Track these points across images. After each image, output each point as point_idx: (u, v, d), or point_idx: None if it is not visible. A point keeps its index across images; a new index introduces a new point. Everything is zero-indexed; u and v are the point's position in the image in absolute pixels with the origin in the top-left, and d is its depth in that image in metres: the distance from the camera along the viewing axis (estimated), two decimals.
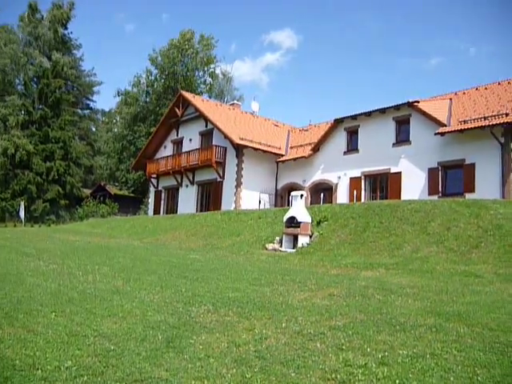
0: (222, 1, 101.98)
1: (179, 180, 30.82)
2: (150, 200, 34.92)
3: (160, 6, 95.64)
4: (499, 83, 23.46)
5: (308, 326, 5.61)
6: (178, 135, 32.85)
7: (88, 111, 59.19)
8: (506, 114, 19.10)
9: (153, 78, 48.54)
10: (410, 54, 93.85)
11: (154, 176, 33.22)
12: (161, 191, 33.10)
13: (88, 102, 58.90)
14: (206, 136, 30.33)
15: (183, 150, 31.08)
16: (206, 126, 29.89)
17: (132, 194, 48.16)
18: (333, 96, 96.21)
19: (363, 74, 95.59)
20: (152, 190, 34.27)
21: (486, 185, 19.22)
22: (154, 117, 46.18)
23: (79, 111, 55.77)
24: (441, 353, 4.66)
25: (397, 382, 3.93)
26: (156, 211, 32.76)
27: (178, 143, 32.80)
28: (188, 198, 30.10)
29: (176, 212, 30.19)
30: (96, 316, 5.86)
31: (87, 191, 48.26)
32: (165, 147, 33.86)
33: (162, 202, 32.79)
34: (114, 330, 5.30)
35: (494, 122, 19.04)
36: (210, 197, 28.92)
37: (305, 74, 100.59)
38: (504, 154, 19.01)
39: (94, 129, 59.63)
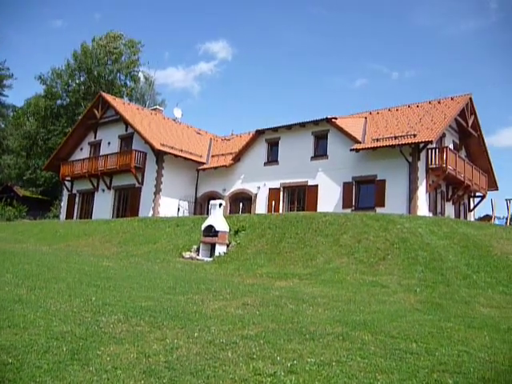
0: (159, 7, 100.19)
1: (95, 184, 29.66)
2: (62, 204, 33.21)
3: (93, 4, 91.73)
4: (409, 106, 25.17)
5: (220, 336, 5.61)
6: (95, 137, 31.65)
7: None
8: (414, 135, 20.50)
9: (75, 77, 46.40)
10: (337, 73, 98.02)
11: (69, 179, 31.68)
12: (75, 195, 31.62)
13: None
14: (126, 140, 29.52)
15: (101, 154, 29.99)
16: (126, 130, 29.11)
17: (42, 196, 45.43)
18: (260, 109, 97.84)
19: (290, 90, 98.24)
20: (65, 193, 32.63)
21: (395, 200, 20.46)
22: (71, 116, 44.13)
23: None
24: (346, 360, 4.86)
25: None
26: (69, 216, 31.23)
27: (96, 146, 31.61)
28: (104, 203, 29.03)
29: (91, 217, 28.98)
30: None
31: None
32: (81, 149, 32.45)
33: (76, 207, 31.33)
34: (14, 341, 4.95)
35: (403, 142, 20.38)
36: (127, 202, 28.11)
37: (235, 86, 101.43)
38: (411, 172, 20.37)
39: (2, 125, 55.64)
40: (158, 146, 25.87)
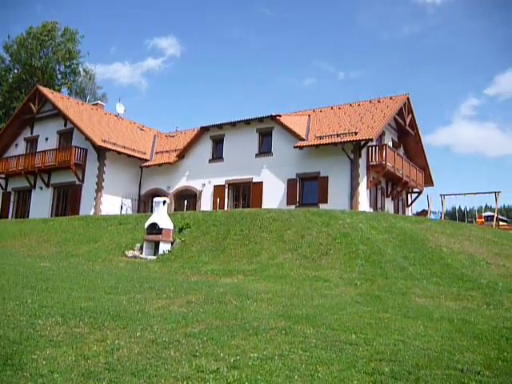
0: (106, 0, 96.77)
1: (32, 182, 28.38)
2: None
3: None
4: (351, 104, 25.87)
5: (163, 334, 5.55)
6: (32, 133, 30.26)
7: None
8: (355, 133, 21.10)
9: (5, 66, 44.07)
10: (286, 72, 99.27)
11: (3, 176, 30.10)
12: (10, 193, 30.11)
13: None
14: (65, 136, 28.43)
15: (38, 150, 28.70)
16: (65, 126, 28.04)
17: None
18: (209, 107, 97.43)
19: (239, 88, 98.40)
20: None
21: (338, 196, 20.98)
22: (5, 111, 41.96)
23: None
24: (288, 353, 4.95)
25: None
26: (3, 215, 29.67)
27: (33, 142, 30.22)
28: (42, 202, 27.83)
29: (27, 216, 27.71)
30: None
31: None
32: (16, 145, 30.92)
33: (11, 205, 29.85)
34: None
35: (345, 140, 20.92)
36: (67, 201, 27.11)
37: (184, 83, 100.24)
38: (353, 169, 20.96)
39: None
40: (99, 142, 25.12)
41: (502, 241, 14.41)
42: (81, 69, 47.93)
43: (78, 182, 26.31)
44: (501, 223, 31.63)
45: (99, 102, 36.17)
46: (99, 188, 25.58)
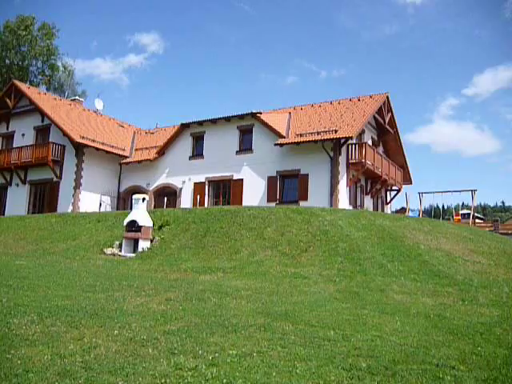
0: None
1: (8, 178, 27.81)
2: None
3: None
4: (331, 102, 25.99)
5: (141, 332, 5.51)
6: (8, 129, 29.60)
7: None
8: (335, 131, 21.23)
9: None
10: (269, 70, 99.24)
11: None
12: None
13: None
14: (42, 132, 27.92)
15: (14, 146, 28.11)
16: (43, 121, 27.54)
17: None
18: (191, 104, 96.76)
19: (222, 85, 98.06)
20: None
21: (318, 194, 21.10)
22: None
23: None
24: (266, 350, 4.96)
25: (224, 381, 4.08)
26: None
27: (8, 137, 29.56)
28: (18, 199, 27.30)
29: (3, 214, 27.17)
30: None
31: None
32: None
33: None
34: None
35: (325, 137, 21.03)
36: (44, 198, 26.64)
37: (166, 79, 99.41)
38: (333, 167, 21.09)
39: None
40: (77, 139, 24.75)
41: (478, 238, 14.70)
42: (59, 64, 47.19)
43: (55, 179, 25.89)
44: (477, 221, 32.29)
45: (78, 97, 35.66)
46: (77, 185, 25.22)
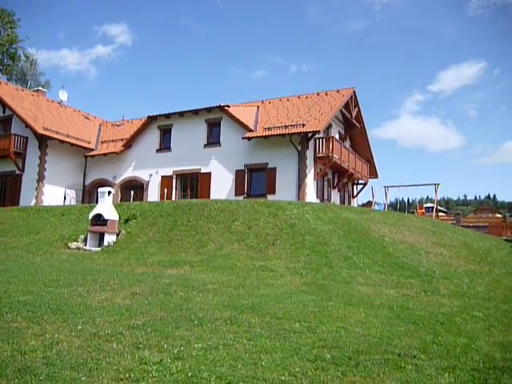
0: None
1: None
2: None
3: None
4: (299, 97, 26.13)
5: (106, 327, 5.43)
6: None
7: None
8: (303, 125, 21.36)
9: None
10: (238, 64, 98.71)
11: None
12: None
13: None
14: (4, 123, 26.99)
15: None
16: (4, 112, 26.64)
17: None
18: (159, 97, 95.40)
19: (191, 78, 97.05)
20: None
21: (285, 187, 21.22)
22: None
23: None
24: (232, 343, 4.97)
25: (189, 374, 4.06)
26: None
27: None
28: None
29: None
30: None
31: None
32: None
33: None
34: None
35: (293, 131, 21.14)
36: (6, 191, 25.84)
37: (134, 71, 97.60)
38: (300, 161, 21.23)
39: None
40: (40, 130, 24.09)
41: (441, 231, 15.10)
42: (21, 53, 45.67)
43: (17, 172, 25.15)
44: (440, 214, 33.18)
45: (41, 88, 34.63)
46: (41, 178, 24.58)
